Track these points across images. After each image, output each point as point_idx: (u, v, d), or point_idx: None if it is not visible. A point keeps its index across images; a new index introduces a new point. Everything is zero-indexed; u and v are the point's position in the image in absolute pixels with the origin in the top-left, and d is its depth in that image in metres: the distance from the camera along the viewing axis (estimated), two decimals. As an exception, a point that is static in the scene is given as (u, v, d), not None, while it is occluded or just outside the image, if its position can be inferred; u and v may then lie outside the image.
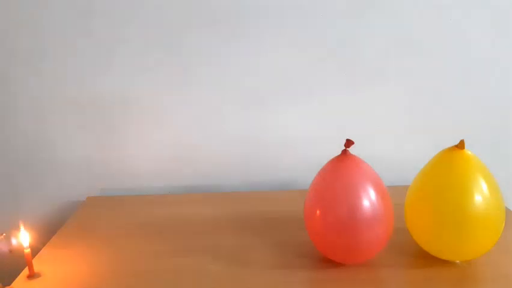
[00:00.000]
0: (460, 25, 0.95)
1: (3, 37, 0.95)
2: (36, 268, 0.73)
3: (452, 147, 0.69)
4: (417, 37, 0.96)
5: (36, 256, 0.77)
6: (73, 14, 0.93)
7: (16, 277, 0.72)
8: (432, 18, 0.95)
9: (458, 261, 0.71)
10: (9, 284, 0.69)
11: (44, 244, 0.82)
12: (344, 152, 0.69)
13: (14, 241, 0.74)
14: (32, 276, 0.72)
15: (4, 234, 0.80)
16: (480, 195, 0.66)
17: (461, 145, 0.68)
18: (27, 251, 0.72)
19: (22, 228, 0.73)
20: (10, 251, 0.90)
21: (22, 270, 0.73)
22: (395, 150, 1.02)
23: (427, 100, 1.00)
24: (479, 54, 0.98)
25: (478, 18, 0.95)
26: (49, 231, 0.88)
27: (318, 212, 0.69)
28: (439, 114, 1.01)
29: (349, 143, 0.69)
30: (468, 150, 0.68)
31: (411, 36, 0.96)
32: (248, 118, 1.01)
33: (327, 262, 0.72)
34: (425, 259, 0.72)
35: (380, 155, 1.03)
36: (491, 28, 0.96)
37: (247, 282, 0.69)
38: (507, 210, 0.70)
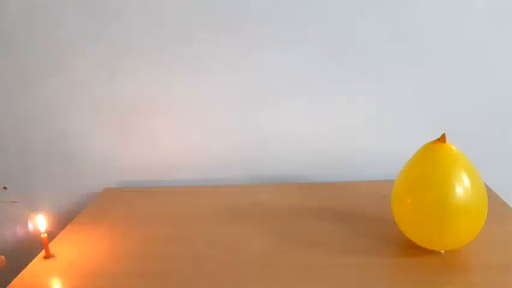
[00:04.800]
0: (460, 25, 0.96)
1: (35, 39, 1.01)
2: (52, 250, 0.81)
3: (434, 140, 0.71)
4: (417, 37, 0.97)
5: (53, 241, 0.85)
6: (85, 17, 0.99)
7: (34, 257, 0.80)
8: (432, 18, 0.96)
9: (442, 251, 0.74)
10: (27, 264, 0.77)
11: (60, 230, 0.89)
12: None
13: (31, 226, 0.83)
14: (48, 257, 0.79)
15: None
16: (461, 186, 0.67)
17: (442, 139, 0.70)
18: (44, 235, 0.80)
19: (40, 214, 0.81)
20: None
21: (40, 252, 0.81)
22: (396, 146, 1.04)
23: (429, 99, 1.02)
24: (480, 53, 0.98)
25: (478, 18, 0.96)
26: (66, 219, 0.94)
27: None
28: (440, 113, 1.03)
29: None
30: (450, 144, 0.70)
31: (411, 36, 0.97)
32: (257, 114, 1.05)
33: (317, 253, 0.77)
34: (411, 249, 0.75)
35: (382, 150, 1.05)
36: (491, 28, 0.96)
37: (246, 276, 0.73)
38: (490, 201, 0.71)
